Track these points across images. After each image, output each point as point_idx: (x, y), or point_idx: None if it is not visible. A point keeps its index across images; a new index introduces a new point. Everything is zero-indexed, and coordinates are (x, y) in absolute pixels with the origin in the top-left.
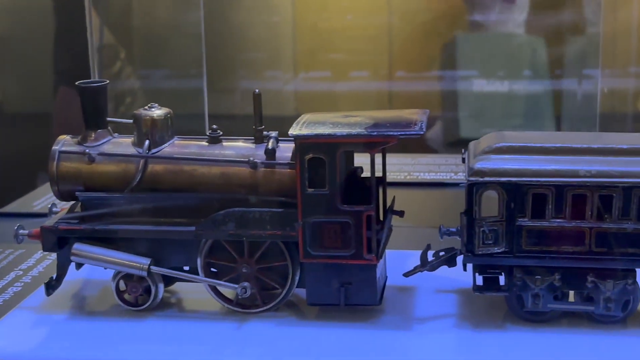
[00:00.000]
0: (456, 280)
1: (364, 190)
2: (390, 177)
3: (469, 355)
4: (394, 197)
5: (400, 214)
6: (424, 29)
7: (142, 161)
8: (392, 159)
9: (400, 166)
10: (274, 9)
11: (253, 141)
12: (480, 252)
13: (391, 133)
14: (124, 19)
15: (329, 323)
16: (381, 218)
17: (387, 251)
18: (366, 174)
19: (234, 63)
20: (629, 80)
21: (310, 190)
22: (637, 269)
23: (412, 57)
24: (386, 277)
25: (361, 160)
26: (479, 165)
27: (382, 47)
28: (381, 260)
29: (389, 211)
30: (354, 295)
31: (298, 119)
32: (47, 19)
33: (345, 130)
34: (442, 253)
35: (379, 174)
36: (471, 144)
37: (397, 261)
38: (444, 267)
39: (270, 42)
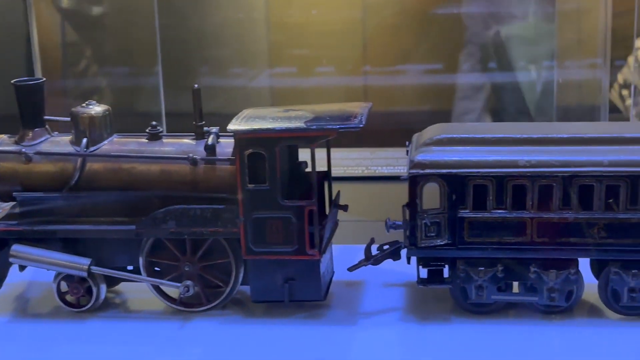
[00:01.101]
0: (404, 273)
1: (309, 185)
2: (349, 172)
3: (412, 349)
4: (339, 191)
5: (344, 208)
6: (396, 22)
7: (79, 160)
8: (353, 153)
9: (359, 160)
10: (241, 4)
11: (194, 137)
12: (423, 245)
13: (330, 126)
14: (84, 15)
15: (274, 320)
16: (327, 213)
17: (333, 246)
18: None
19: (197, 60)
20: (587, 71)
21: (250, 186)
22: (579, 259)
23: (385, 51)
24: (333, 272)
25: (319, 155)
26: (419, 157)
27: (354, 41)
28: (327, 255)
29: (333, 205)
30: (299, 291)
31: (239, 114)
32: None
33: (284, 125)
34: (386, 247)
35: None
36: (415, 136)
37: (344, 256)
38: (394, 261)
39: (236, 38)
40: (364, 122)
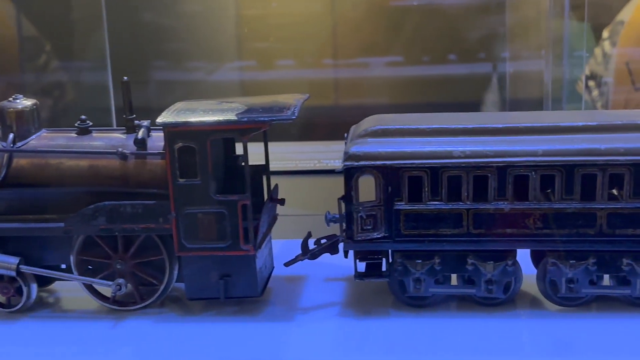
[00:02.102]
0: (347, 267)
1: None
2: (301, 166)
3: (348, 344)
4: (276, 185)
5: (281, 202)
6: (363, 16)
7: (6, 155)
8: (305, 147)
9: (312, 154)
10: None
11: (125, 131)
12: (359, 238)
13: (261, 118)
14: (42, 9)
15: (210, 317)
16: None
17: (274, 241)
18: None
19: (154, 54)
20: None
21: (181, 180)
22: (517, 249)
23: (347, 44)
24: (272, 267)
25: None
26: (353, 149)
27: (318, 33)
28: (264, 250)
29: (269, 199)
30: (234, 288)
31: (170, 107)
32: None
33: (214, 117)
34: (323, 241)
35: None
36: (352, 128)
37: (286, 251)
38: (332, 255)
39: (196, 31)
40: (296, 114)
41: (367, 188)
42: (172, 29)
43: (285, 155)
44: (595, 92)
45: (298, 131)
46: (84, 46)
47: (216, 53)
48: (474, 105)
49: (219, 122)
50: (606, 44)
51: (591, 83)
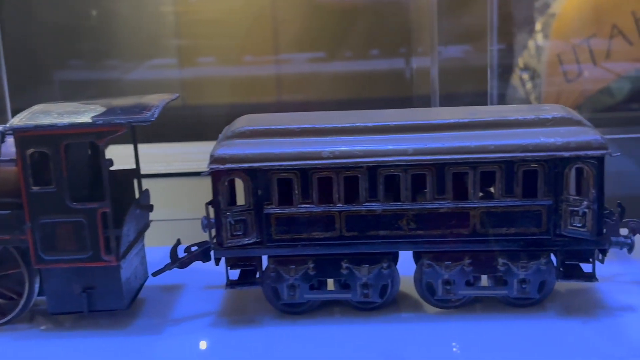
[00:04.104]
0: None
1: (115, 184)
2: (187, 167)
3: (218, 356)
4: (146, 190)
5: (149, 208)
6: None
7: None
8: (204, 147)
9: (197, 155)
10: None
11: None
12: (229, 245)
13: (117, 121)
14: None
15: (74, 332)
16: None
17: (150, 248)
18: (119, 166)
19: (68, 53)
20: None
21: (35, 188)
22: (393, 252)
23: (263, 41)
24: (146, 277)
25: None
26: (219, 151)
27: (235, 32)
28: (134, 260)
29: (135, 206)
30: (99, 301)
31: (26, 110)
32: None
33: (68, 121)
34: (194, 248)
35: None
36: (225, 129)
37: (163, 258)
38: (204, 262)
39: (117, 29)
40: (156, 116)
41: None
42: (89, 28)
43: (178, 156)
44: (529, 85)
45: (194, 131)
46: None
47: (134, 51)
48: (392, 102)
49: (72, 126)
50: (539, 37)
51: (525, 76)
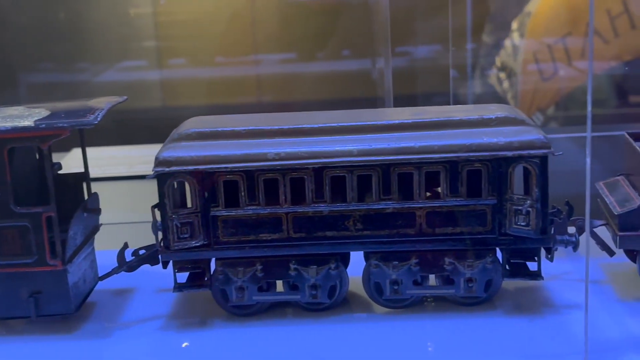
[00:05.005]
0: (181, 277)
1: (65, 188)
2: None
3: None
4: (95, 193)
5: (96, 211)
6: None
7: None
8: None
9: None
10: None
11: None
12: (176, 247)
13: (60, 124)
14: None
15: (24, 337)
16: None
17: (101, 252)
18: (68, 170)
19: (38, 56)
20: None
21: None
22: (341, 252)
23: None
24: (97, 280)
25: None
26: (165, 154)
27: (207, 33)
28: (82, 264)
29: (82, 209)
30: (46, 305)
31: None
32: None
33: (10, 125)
34: (142, 251)
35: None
36: (173, 131)
37: (115, 262)
38: (152, 266)
39: (81, 31)
40: (99, 119)
41: None
42: (59, 30)
43: (138, 158)
44: (505, 84)
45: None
46: None
47: (104, 53)
48: (362, 102)
49: (14, 130)
50: (515, 35)
51: (502, 75)
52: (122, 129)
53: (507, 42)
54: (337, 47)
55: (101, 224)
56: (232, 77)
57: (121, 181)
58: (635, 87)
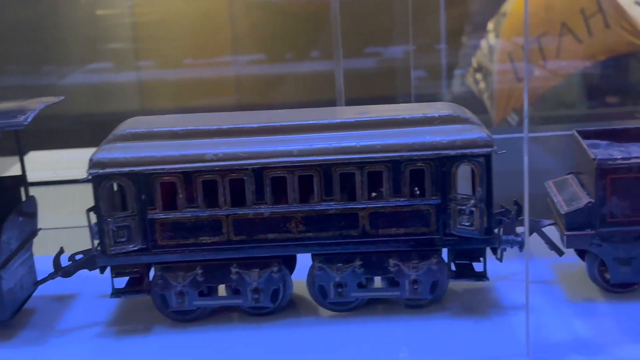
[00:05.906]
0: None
1: (1, 192)
2: None
3: None
4: (32, 197)
5: (32, 215)
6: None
7: None
8: None
9: None
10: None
11: None
12: (113, 252)
13: None
14: None
15: None
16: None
17: (40, 257)
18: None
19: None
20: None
21: None
22: (283, 255)
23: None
24: (34, 287)
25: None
26: (99, 155)
27: (173, 35)
28: (19, 270)
29: (16, 213)
30: None
31: None
32: None
33: None
34: (79, 256)
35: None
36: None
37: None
38: (90, 271)
39: (46, 33)
40: (29, 120)
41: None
42: (23, 32)
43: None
44: (482, 84)
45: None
46: None
47: (69, 55)
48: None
49: None
50: (491, 36)
51: (478, 75)
52: (97, 131)
53: (484, 43)
54: (306, 49)
55: (40, 229)
56: (205, 78)
57: (71, 185)
58: (609, 86)
